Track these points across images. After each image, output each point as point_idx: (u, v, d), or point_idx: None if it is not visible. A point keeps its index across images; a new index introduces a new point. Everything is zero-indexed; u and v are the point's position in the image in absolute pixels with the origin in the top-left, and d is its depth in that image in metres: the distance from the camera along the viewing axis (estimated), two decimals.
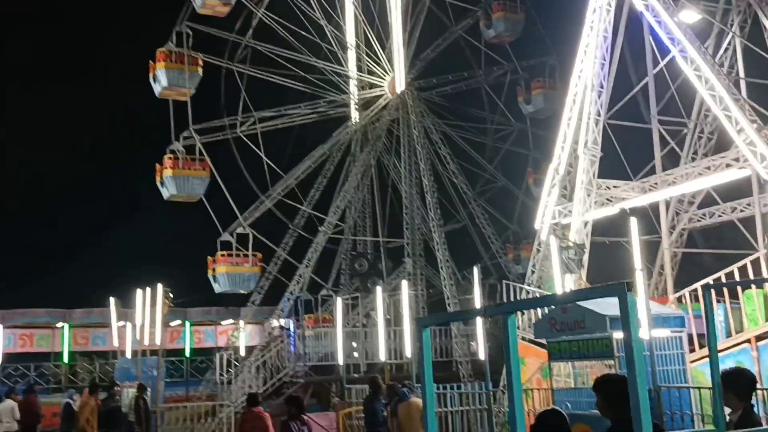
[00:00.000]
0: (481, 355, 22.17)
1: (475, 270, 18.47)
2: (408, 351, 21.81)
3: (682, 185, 19.42)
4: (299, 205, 40.17)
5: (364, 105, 42.66)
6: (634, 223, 14.13)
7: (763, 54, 23.45)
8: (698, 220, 22.44)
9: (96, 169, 50.29)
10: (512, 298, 25.45)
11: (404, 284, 22.04)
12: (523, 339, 25.82)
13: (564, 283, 16.25)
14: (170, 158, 36.19)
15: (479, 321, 18.86)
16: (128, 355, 31.66)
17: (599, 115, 21.02)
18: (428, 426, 4.80)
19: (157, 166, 36.69)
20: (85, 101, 48.83)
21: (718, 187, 22.03)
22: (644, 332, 14.09)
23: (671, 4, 20.72)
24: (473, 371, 35.21)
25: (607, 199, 21.19)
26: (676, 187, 19.56)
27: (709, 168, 18.93)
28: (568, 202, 24.35)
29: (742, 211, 22.39)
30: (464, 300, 38.81)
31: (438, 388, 22.51)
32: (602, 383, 6.58)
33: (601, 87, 21.25)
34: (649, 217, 27.34)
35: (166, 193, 36.46)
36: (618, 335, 14.15)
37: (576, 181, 20.68)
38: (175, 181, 35.69)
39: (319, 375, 32.69)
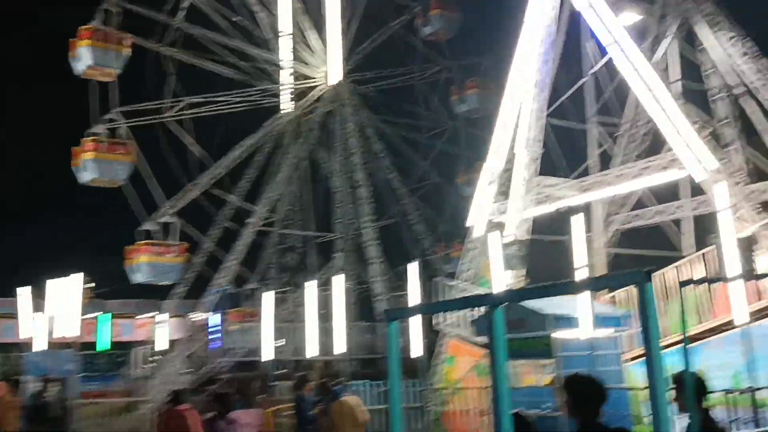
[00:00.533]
0: (414, 353, 21.73)
1: (411, 267, 18.00)
2: (340, 347, 21.17)
3: (619, 185, 19.44)
4: (228, 196, 38.93)
5: (298, 96, 41.73)
6: (576, 221, 13.88)
7: (694, 60, 23.85)
8: (629, 222, 22.60)
9: (5, 153, 47.75)
10: (444, 296, 25.19)
11: (337, 279, 21.36)
12: (456, 337, 25.66)
13: (504, 279, 15.96)
14: (92, 141, 34.40)
15: (419, 317, 18.41)
16: (40, 347, 29.95)
17: (541, 112, 20.87)
18: (395, 423, 4.33)
19: (74, 149, 34.82)
20: None
21: (651, 189, 22.24)
22: (587, 331, 13.87)
23: (611, 5, 20.74)
24: (404, 369, 34.89)
25: (545, 197, 21.06)
26: (613, 187, 19.57)
27: (646, 169, 18.99)
28: (503, 200, 24.20)
29: (672, 213, 22.69)
30: (394, 297, 38.44)
31: (367, 386, 22.03)
32: (571, 382, 6.31)
33: (543, 83, 21.10)
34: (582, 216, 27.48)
35: (85, 177, 34.61)
36: (558, 335, 13.92)
37: (515, 178, 20.47)
38: (96, 164, 33.92)
39: (245, 370, 31.74)
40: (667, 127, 17.92)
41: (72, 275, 28.05)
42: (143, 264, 34.62)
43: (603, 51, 23.38)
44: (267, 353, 23.93)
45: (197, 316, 41.25)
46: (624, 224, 21.90)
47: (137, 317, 40.86)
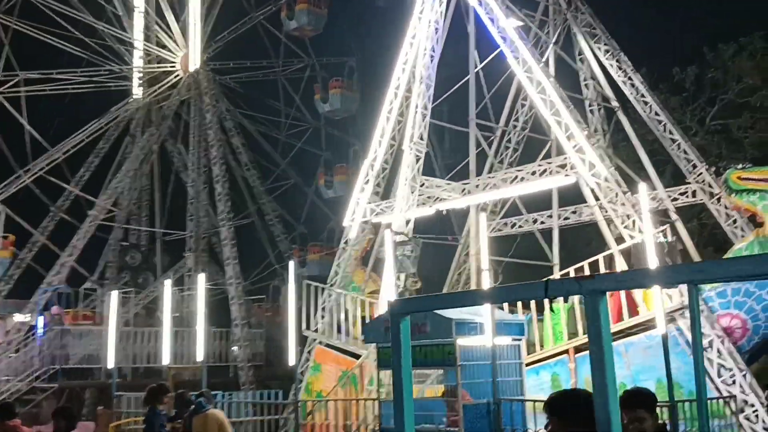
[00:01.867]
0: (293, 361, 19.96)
1: (291, 264, 16.34)
2: (200, 354, 19.02)
3: (505, 189, 18.82)
4: (65, 185, 35.08)
5: (150, 81, 38.58)
6: (483, 219, 12.87)
7: (573, 65, 23.89)
8: (499, 230, 22.19)
9: None
10: (312, 300, 23.64)
11: (200, 279, 19.21)
12: (321, 344, 24.14)
13: (395, 282, 14.72)
14: None
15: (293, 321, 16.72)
16: None
17: (426, 109, 19.91)
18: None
19: None
20: None
21: (521, 198, 21.94)
22: (488, 339, 12.83)
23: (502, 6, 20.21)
24: (255, 378, 32.83)
25: (428, 198, 20.11)
26: (498, 190, 18.93)
27: (534, 173, 18.50)
28: (380, 200, 23.05)
29: (542, 222, 22.52)
30: (248, 301, 36.27)
31: (219, 397, 20.00)
32: (566, 401, 5.06)
33: (430, 80, 20.18)
34: (449, 220, 26.92)
35: None
36: (463, 342, 12.84)
37: (400, 177, 19.34)
38: None
39: (79, 379, 28.49)
40: (560, 130, 17.49)
41: None
42: None
43: (491, 50, 22.88)
44: (110, 360, 21.18)
45: (16, 319, 37.00)
46: (496, 231, 21.40)
47: None
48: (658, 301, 15.12)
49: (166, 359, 20.20)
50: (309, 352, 24.35)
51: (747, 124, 33.61)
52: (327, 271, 42.00)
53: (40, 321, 28.43)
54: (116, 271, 38.28)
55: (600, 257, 16.19)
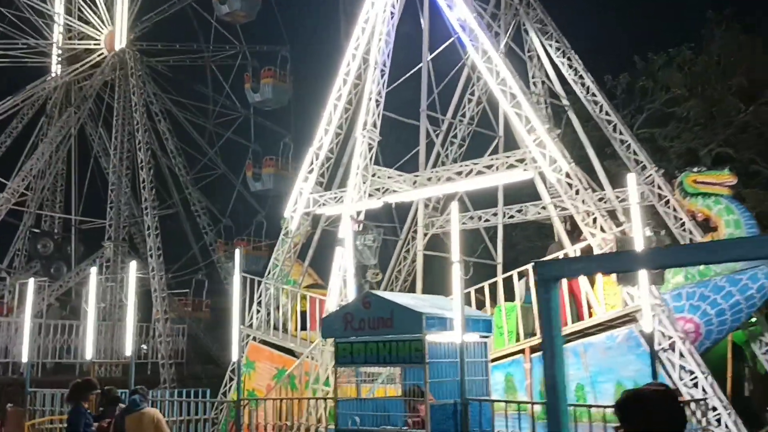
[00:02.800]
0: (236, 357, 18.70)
1: (237, 253, 15.14)
2: (128, 349, 17.53)
3: (459, 182, 18.12)
4: None
5: (71, 59, 36.21)
6: (455, 209, 12.10)
7: (524, 61, 23.50)
8: (442, 227, 21.52)
9: None
10: (255, 295, 22.50)
11: (132, 267, 17.71)
12: (255, 341, 22.89)
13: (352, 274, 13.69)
14: None
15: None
16: None
17: (380, 95, 19.02)
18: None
19: None
20: None
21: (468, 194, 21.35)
22: (456, 336, 12.06)
23: None
24: (176, 376, 31.19)
25: (376, 189, 19.22)
26: (453, 183, 18.22)
27: (490, 167, 17.89)
28: (324, 191, 22.04)
29: (487, 220, 21.96)
30: (170, 295, 34.53)
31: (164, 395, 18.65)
32: (638, 401, 4.49)
33: (384, 66, 19.30)
34: (391, 214, 26.03)
35: None
36: (434, 338, 12.01)
37: (352, 166, 18.37)
38: None
39: None
40: (520, 123, 16.93)
41: None
42: None
43: (439, 41, 22.26)
44: (25, 353, 19.39)
45: None
46: (439, 229, 20.71)
47: None
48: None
49: (89, 354, 18.59)
50: (242, 349, 23.10)
51: (673, 133, 34.14)
52: (253, 266, 40.81)
53: None
54: (25, 259, 35.83)
55: (560, 255, 15.68)
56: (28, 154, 34.81)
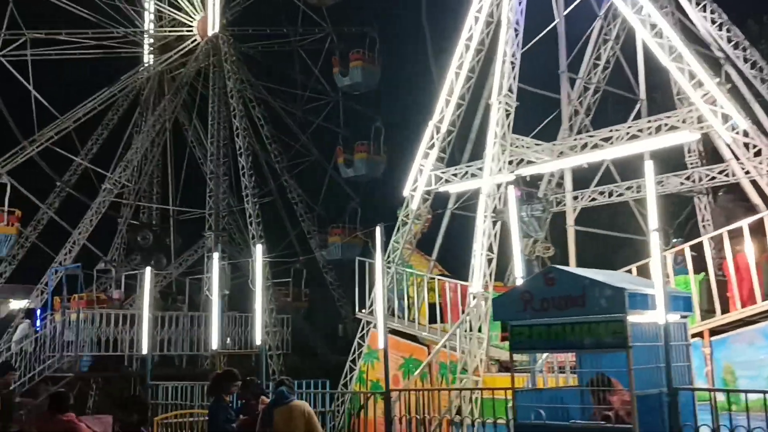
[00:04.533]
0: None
1: (378, 230, 13.81)
2: (257, 339, 16.48)
3: (605, 150, 16.35)
4: (73, 157, 32.15)
5: (162, 48, 35.65)
6: (650, 168, 10.41)
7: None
8: (592, 198, 19.69)
9: None
10: (367, 280, 21.20)
11: (259, 250, 16.61)
12: (377, 328, 21.61)
13: (522, 249, 12.23)
14: None
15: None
16: None
17: (515, 57, 17.40)
18: None
19: None
20: None
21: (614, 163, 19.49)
22: (659, 315, 10.38)
23: None
24: (284, 367, 30.35)
25: (509, 162, 17.60)
26: (600, 151, 16.48)
27: (644, 130, 16.07)
28: (445, 167, 20.57)
29: (638, 191, 19.95)
30: (275, 285, 33.72)
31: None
32: None
33: (518, 25, 17.66)
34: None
35: None
36: (636, 319, 10.43)
37: (489, 135, 16.78)
38: None
39: (99, 368, 25.77)
40: (684, 79, 15.07)
41: None
42: None
43: None
44: (145, 346, 18.57)
45: (13, 304, 34.17)
46: (589, 200, 18.94)
47: None
48: None
49: (214, 344, 17.64)
50: (362, 338, 21.89)
51: None
52: (349, 254, 39.70)
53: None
54: (123, 252, 35.51)
55: (743, 223, 13.72)
56: (125, 146, 34.47)
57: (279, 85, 39.45)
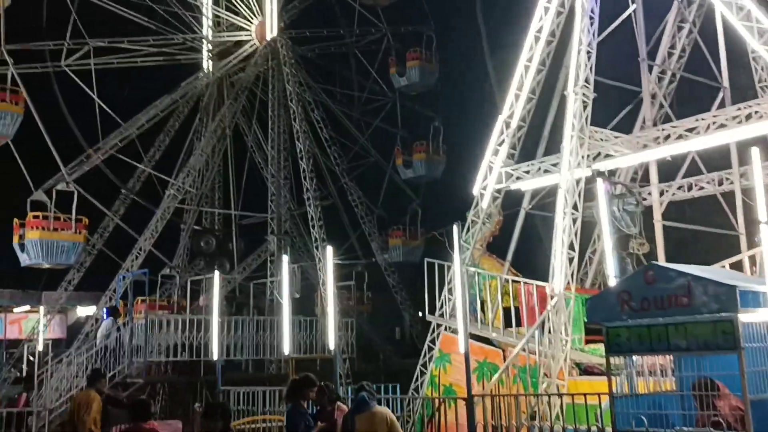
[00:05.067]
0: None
1: (455, 228, 13.29)
2: (330, 343, 16.12)
3: (696, 140, 15.47)
4: (137, 164, 32.41)
5: (221, 54, 35.74)
6: (756, 156, 9.66)
7: None
8: (678, 192, 18.70)
9: None
10: (437, 281, 20.65)
11: (329, 252, 16.26)
12: (447, 331, 21.04)
13: (612, 246, 11.53)
14: None
15: None
16: None
17: (591, 46, 16.67)
18: None
19: None
20: None
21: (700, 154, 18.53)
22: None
23: None
24: (350, 371, 29.98)
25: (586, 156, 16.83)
26: (685, 142, 15.61)
27: (732, 119, 15.18)
28: (515, 164, 19.87)
29: (729, 182, 18.89)
30: (340, 288, 33.36)
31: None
32: None
33: (593, 13, 16.93)
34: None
35: None
36: (747, 318, 9.67)
37: (566, 128, 16.06)
38: None
39: (163, 373, 25.82)
40: None
41: None
42: (33, 242, 27.71)
43: None
44: (215, 351, 18.38)
45: (81, 312, 34.65)
46: (675, 195, 18.02)
47: (15, 310, 33.71)
48: None
49: (286, 349, 17.32)
50: (433, 341, 21.32)
51: None
52: (411, 257, 39.22)
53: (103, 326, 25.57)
54: (185, 257, 35.63)
55: None
56: (186, 152, 34.65)
57: (336, 87, 39.23)
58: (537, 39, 19.23)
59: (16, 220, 28.53)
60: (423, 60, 40.99)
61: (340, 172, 35.00)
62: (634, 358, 11.39)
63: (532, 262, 22.92)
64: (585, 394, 12.08)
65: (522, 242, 22.28)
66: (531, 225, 22.94)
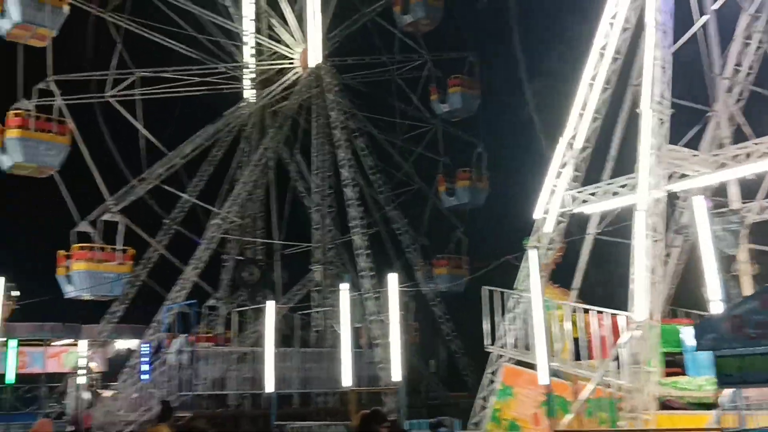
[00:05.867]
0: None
1: (532, 255, 12.45)
2: (395, 374, 15.28)
3: None
4: (181, 194, 32.05)
5: (263, 83, 35.50)
6: None
7: None
8: (762, 212, 17.63)
9: None
10: (494, 307, 19.74)
11: (393, 279, 15.51)
12: (509, 363, 20.08)
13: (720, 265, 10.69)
14: (18, 116, 27.12)
15: None
16: None
17: (665, 61, 15.89)
18: None
19: None
20: None
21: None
22: None
23: None
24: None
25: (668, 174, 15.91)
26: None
27: None
28: (580, 186, 19.01)
29: None
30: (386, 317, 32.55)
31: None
32: None
33: (665, 26, 16.17)
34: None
35: (6, 162, 27.27)
36: None
37: (642, 145, 15.22)
38: (22, 145, 26.63)
39: (212, 407, 25.19)
40: None
41: None
42: (79, 273, 27.32)
43: None
44: (269, 383, 17.64)
45: (118, 345, 34.10)
46: (759, 214, 17.02)
47: (55, 344, 33.36)
48: None
49: (347, 380, 16.52)
50: (493, 373, 20.34)
51: None
52: (456, 286, 38.29)
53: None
54: (227, 288, 35.02)
55: None
56: (228, 181, 34.31)
57: (377, 114, 38.80)
58: (601, 56, 18.51)
59: (60, 251, 28.23)
60: (465, 86, 40.47)
61: (384, 200, 34.30)
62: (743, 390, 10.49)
63: (600, 288, 21.93)
64: (689, 430, 11.08)
65: (588, 269, 21.35)
66: (597, 250, 22.00)
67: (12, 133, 26.74)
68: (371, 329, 28.44)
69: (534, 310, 12.62)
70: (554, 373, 18.48)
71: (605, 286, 22.17)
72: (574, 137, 18.94)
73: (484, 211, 40.81)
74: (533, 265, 12.63)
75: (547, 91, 39.13)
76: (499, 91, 41.98)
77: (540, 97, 37.40)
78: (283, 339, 32.56)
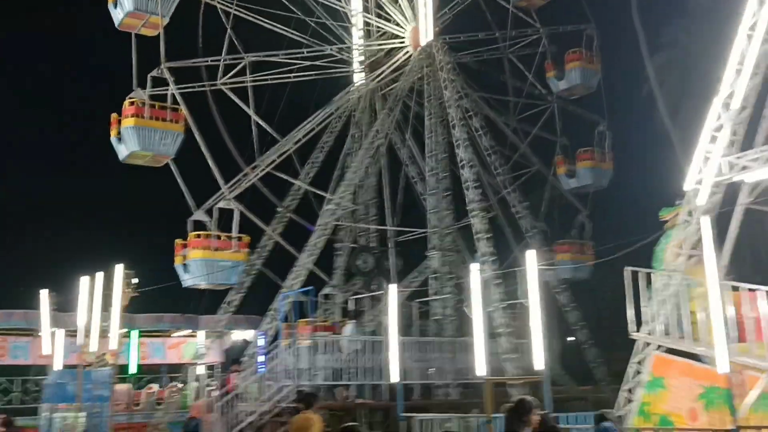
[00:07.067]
0: None
1: (705, 222, 10.61)
2: (538, 363, 13.76)
3: None
4: (294, 180, 31.44)
5: (372, 65, 34.43)
6: None
7: None
8: None
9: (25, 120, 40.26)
10: (640, 289, 17.71)
11: (530, 256, 13.93)
12: (659, 351, 18.10)
13: None
14: (133, 104, 27.14)
15: None
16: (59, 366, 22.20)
17: None
18: None
19: (114, 116, 27.52)
20: None
21: None
22: None
23: None
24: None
25: None
26: None
27: None
28: (739, 151, 16.74)
29: None
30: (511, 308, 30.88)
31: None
32: None
33: None
34: None
35: (123, 152, 27.36)
36: None
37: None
38: (137, 133, 26.63)
39: (328, 398, 24.24)
40: None
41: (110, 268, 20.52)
42: (195, 261, 27.07)
43: None
44: (394, 374, 16.46)
45: (236, 335, 33.87)
46: None
47: (174, 335, 33.46)
48: None
49: (481, 370, 15.05)
50: (640, 362, 18.38)
51: None
52: (579, 273, 36.12)
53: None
54: (342, 276, 34.16)
55: None
56: (340, 167, 33.51)
57: (491, 93, 37.08)
58: (761, 3, 16.20)
59: (177, 240, 28.11)
60: (584, 60, 38.21)
61: (502, 182, 32.58)
62: None
63: (753, 265, 19.82)
64: None
65: (739, 244, 19.10)
66: (748, 223, 19.71)
67: (128, 122, 26.77)
68: (494, 318, 26.79)
69: (710, 288, 10.79)
70: (699, 359, 16.49)
71: (757, 262, 19.69)
72: (730, 96, 16.70)
73: (607, 193, 38.50)
74: (706, 235, 10.79)
75: (671, 64, 36.48)
76: (621, 64, 39.45)
77: (661, 73, 34.83)
78: (402, 328, 31.50)
